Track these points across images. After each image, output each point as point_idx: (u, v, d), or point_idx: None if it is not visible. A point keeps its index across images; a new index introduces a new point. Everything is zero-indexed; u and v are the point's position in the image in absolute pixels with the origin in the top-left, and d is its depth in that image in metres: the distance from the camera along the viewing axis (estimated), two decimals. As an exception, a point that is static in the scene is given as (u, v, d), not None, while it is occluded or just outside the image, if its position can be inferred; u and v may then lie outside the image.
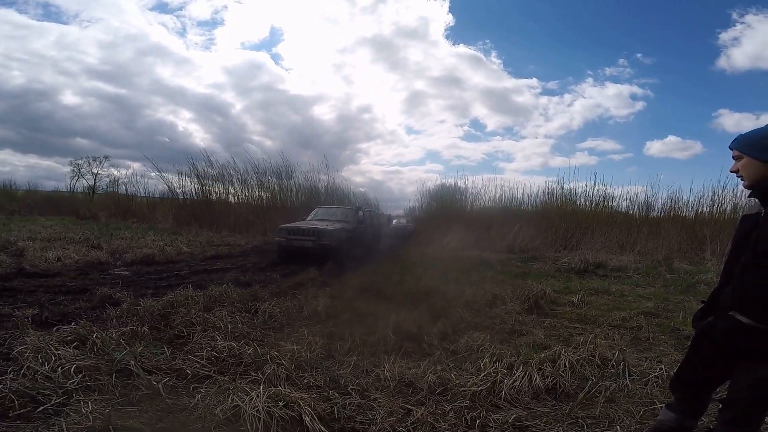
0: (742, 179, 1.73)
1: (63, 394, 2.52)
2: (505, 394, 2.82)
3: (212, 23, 43.77)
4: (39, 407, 2.38)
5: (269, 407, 2.38)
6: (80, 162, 31.95)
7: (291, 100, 44.25)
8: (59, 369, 2.72)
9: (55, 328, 3.57)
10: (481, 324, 4.65)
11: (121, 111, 41.81)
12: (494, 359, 3.28)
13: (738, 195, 13.44)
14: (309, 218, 11.48)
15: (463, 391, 2.86)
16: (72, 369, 2.74)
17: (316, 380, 2.99)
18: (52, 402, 2.43)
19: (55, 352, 2.92)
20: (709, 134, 33.54)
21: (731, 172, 1.78)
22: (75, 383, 2.63)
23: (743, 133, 1.75)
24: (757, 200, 1.72)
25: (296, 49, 45.65)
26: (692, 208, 14.60)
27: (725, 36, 30.38)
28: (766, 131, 1.66)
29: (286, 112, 43.79)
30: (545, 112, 37.97)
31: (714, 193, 14.03)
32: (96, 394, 2.60)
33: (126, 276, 6.98)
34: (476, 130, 44.44)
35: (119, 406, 2.50)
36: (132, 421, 2.36)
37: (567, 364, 3.20)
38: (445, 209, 19.59)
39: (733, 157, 1.76)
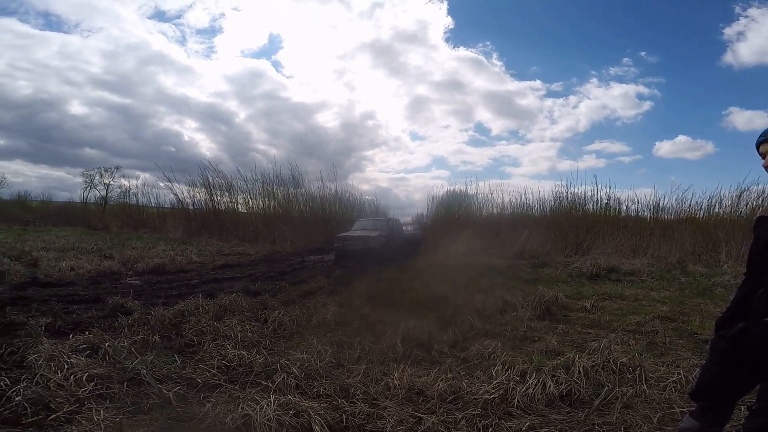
0: None
1: (75, 402, 2.54)
2: (518, 401, 2.77)
3: (211, 31, 43.98)
4: (51, 415, 2.40)
5: (279, 416, 2.37)
6: (92, 173, 32.36)
7: (293, 107, 44.30)
8: (72, 377, 2.76)
9: (68, 337, 3.61)
10: (492, 331, 4.59)
11: (128, 121, 42.18)
12: (506, 366, 3.24)
13: (756, 196, 13.24)
14: (353, 228, 14.13)
15: (475, 399, 2.81)
16: (84, 377, 2.77)
17: (325, 389, 2.97)
18: (64, 410, 2.45)
19: (68, 360, 2.96)
20: (720, 133, 32.65)
21: (765, 168, 1.71)
22: (87, 391, 2.66)
23: None
24: None
25: (296, 56, 45.64)
26: (705, 209, 14.38)
27: (729, 31, 29.61)
28: None
29: (289, 120, 43.83)
30: (550, 115, 37.54)
31: (734, 194, 13.80)
32: (107, 402, 2.61)
33: (137, 285, 7.05)
34: (481, 135, 44.14)
35: (130, 414, 2.51)
36: (143, 429, 2.36)
37: (581, 370, 3.14)
38: (453, 216, 19.49)
39: (760, 154, 1.70)
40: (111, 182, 32.15)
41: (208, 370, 3.19)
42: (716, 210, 14.15)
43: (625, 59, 34.88)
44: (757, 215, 1.80)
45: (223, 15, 45.17)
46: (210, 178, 20.47)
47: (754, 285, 1.71)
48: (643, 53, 33.81)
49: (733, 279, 7.97)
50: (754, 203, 13.32)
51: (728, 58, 30.73)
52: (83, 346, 3.30)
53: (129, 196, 26.55)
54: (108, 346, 3.31)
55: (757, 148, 1.76)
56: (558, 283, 8.30)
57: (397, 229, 15.19)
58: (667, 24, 33.12)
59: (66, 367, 2.87)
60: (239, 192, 20.74)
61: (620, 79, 34.52)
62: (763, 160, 1.72)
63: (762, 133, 1.71)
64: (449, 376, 3.15)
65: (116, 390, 2.75)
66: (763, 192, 13.06)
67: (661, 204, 15.27)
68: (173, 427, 2.45)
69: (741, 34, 28.82)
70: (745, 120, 30.12)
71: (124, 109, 42.13)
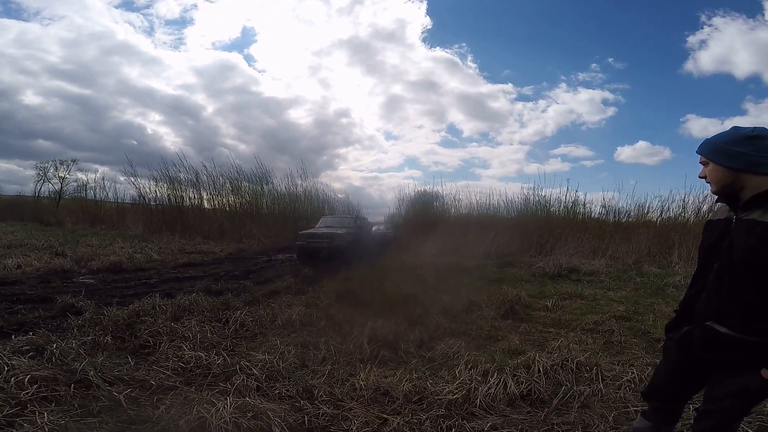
0: (710, 184, 1.68)
1: (16, 404, 2.39)
2: (480, 401, 2.80)
3: (181, 22, 41.95)
4: (-10, 417, 2.24)
5: (237, 418, 2.30)
6: (46, 165, 30.32)
7: (265, 103, 42.87)
8: (12, 379, 2.58)
9: (10, 338, 3.41)
10: (457, 330, 4.64)
11: (86, 112, 39.46)
12: (469, 366, 3.28)
13: (701, 200, 14.07)
14: (318, 226, 13.37)
15: (439, 399, 2.83)
16: (26, 379, 2.60)
17: (288, 390, 2.90)
18: (4, 412, 2.30)
19: (8, 362, 2.77)
20: (677, 139, 33.69)
21: (700, 177, 1.73)
22: (30, 394, 2.50)
23: (708, 138, 1.71)
24: (725, 206, 1.69)
25: (270, 51, 44.11)
26: (661, 213, 15.15)
27: (693, 39, 30.79)
28: (730, 136, 1.62)
29: (260, 116, 42.39)
30: (520, 118, 38.05)
31: (682, 198, 14.71)
32: (53, 405, 2.48)
33: (91, 284, 6.71)
34: (453, 136, 44.35)
35: (78, 417, 2.39)
36: (90, 432, 2.24)
37: (541, 369, 3.21)
38: (424, 216, 19.63)
39: (700, 163, 1.72)
40: (66, 176, 30.26)
41: (162, 372, 3.06)
42: (670, 214, 14.97)
43: (594, 65, 35.83)
44: (707, 219, 1.85)
45: (195, 6, 43.40)
46: (173, 173, 19.71)
47: (699, 287, 1.73)
48: (610, 59, 34.68)
49: (683, 279, 8.38)
50: (700, 207, 14.19)
51: (689, 65, 31.89)
52: (26, 347, 3.10)
53: (86, 190, 25.18)
54: (55, 347, 3.11)
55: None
56: (522, 282, 8.50)
57: (365, 228, 14.86)
58: (636, 31, 33.90)
59: (6, 368, 2.68)
60: (205, 188, 20.12)
61: (588, 85, 35.44)
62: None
63: (699, 144, 1.73)
64: (414, 376, 3.16)
65: (62, 392, 2.60)
66: (705, 197, 13.89)
67: (620, 207, 16.03)
68: (124, 430, 2.35)
69: (703, 43, 30.01)
70: (701, 127, 31.26)
71: (83, 100, 39.61)
